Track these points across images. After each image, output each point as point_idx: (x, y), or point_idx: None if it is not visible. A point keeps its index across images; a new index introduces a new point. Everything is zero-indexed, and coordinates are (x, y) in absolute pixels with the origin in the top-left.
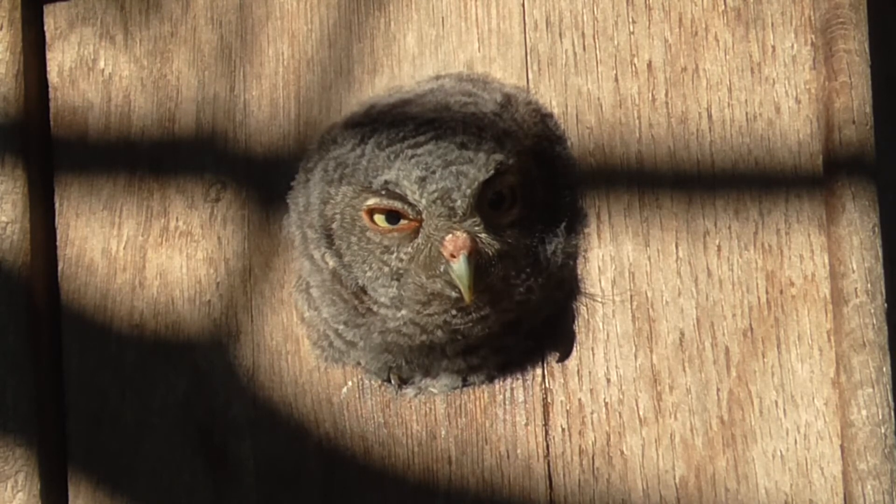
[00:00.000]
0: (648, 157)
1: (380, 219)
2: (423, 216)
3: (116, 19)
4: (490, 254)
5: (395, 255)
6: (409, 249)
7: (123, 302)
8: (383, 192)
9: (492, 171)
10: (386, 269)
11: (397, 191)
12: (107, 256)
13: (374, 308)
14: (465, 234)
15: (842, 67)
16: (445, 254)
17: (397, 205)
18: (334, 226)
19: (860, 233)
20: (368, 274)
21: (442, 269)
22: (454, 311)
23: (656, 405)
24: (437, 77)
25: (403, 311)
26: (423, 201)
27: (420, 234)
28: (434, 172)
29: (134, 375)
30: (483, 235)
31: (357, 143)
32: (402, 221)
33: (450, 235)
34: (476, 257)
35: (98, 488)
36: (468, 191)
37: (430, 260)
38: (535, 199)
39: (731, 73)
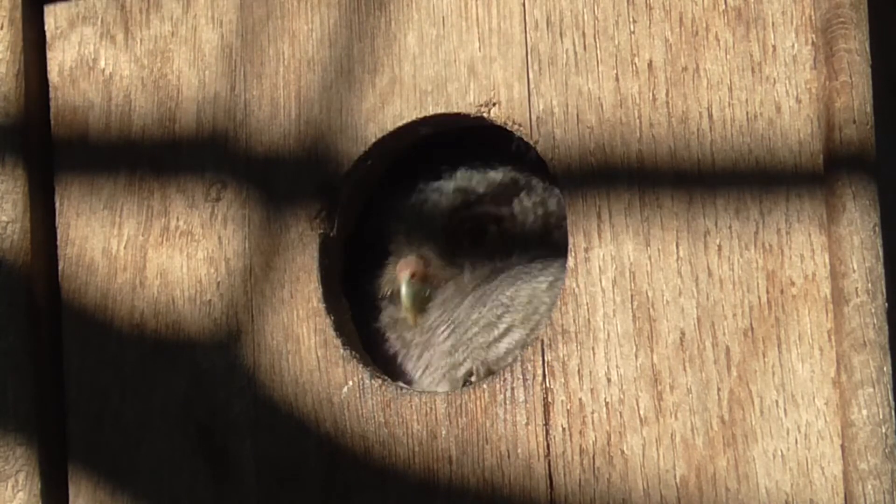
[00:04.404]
0: (649, 156)
1: None
2: None
3: (117, 19)
4: (443, 279)
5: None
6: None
7: (124, 301)
8: None
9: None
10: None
11: None
12: (107, 256)
13: None
14: (412, 257)
15: (842, 67)
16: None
17: None
18: None
19: (861, 232)
20: None
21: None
22: None
23: (657, 405)
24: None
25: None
26: None
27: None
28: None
29: (134, 375)
30: (437, 260)
31: None
32: None
33: (402, 259)
34: (421, 281)
35: (98, 488)
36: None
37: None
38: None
39: (731, 72)
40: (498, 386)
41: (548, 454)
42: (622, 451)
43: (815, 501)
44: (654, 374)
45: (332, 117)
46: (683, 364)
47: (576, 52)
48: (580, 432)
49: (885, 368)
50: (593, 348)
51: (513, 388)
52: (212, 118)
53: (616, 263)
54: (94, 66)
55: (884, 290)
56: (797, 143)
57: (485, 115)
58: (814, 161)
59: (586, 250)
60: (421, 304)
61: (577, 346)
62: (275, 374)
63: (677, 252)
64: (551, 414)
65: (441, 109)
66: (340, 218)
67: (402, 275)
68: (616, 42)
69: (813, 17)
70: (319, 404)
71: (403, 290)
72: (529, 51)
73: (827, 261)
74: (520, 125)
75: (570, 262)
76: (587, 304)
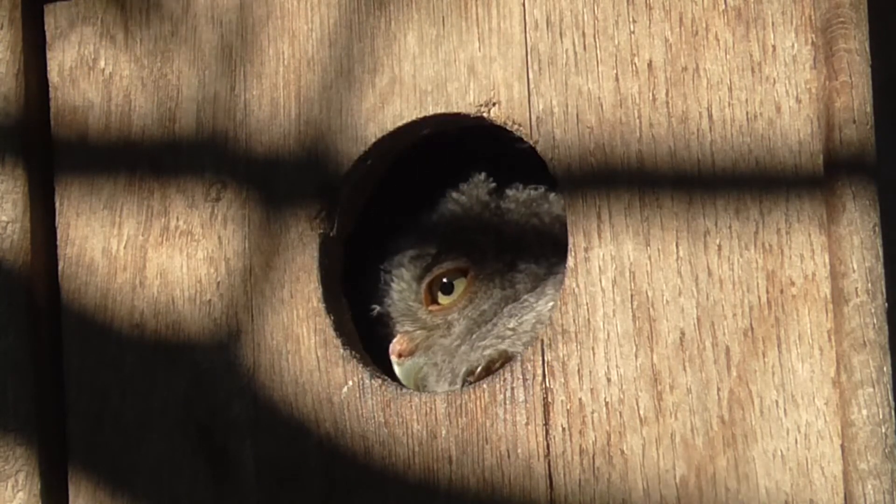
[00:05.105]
0: (649, 156)
1: None
2: None
3: (117, 19)
4: (431, 344)
5: None
6: None
7: (124, 301)
8: None
9: None
10: None
11: None
12: (107, 256)
13: None
14: (398, 336)
15: (842, 67)
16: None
17: None
18: None
19: (860, 232)
20: None
21: None
22: None
23: (657, 405)
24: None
25: None
26: None
27: None
28: None
29: (134, 375)
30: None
31: None
32: None
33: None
34: (409, 356)
35: (98, 488)
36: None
37: None
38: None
39: (731, 72)
40: (498, 386)
41: (548, 454)
42: (622, 451)
43: (815, 501)
44: (654, 374)
45: (332, 117)
46: (683, 364)
47: (576, 52)
48: (580, 432)
49: (885, 368)
50: (593, 348)
51: (513, 388)
52: (212, 118)
53: (616, 263)
54: (94, 66)
55: (884, 290)
56: (797, 143)
57: (485, 115)
58: (814, 161)
59: (586, 250)
60: (417, 379)
61: (576, 346)
62: (275, 374)
63: (677, 252)
64: (551, 414)
65: (441, 109)
66: (340, 218)
67: (392, 357)
68: (616, 42)
69: (813, 17)
70: (319, 404)
71: (397, 371)
72: (529, 51)
73: (827, 261)
74: (520, 125)
75: (570, 261)
76: (587, 303)
